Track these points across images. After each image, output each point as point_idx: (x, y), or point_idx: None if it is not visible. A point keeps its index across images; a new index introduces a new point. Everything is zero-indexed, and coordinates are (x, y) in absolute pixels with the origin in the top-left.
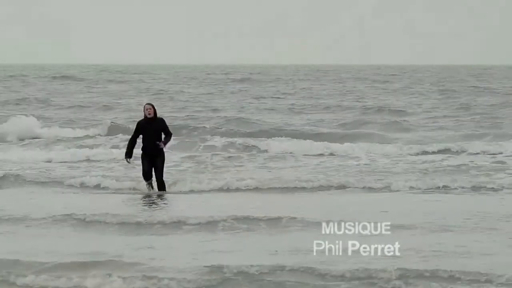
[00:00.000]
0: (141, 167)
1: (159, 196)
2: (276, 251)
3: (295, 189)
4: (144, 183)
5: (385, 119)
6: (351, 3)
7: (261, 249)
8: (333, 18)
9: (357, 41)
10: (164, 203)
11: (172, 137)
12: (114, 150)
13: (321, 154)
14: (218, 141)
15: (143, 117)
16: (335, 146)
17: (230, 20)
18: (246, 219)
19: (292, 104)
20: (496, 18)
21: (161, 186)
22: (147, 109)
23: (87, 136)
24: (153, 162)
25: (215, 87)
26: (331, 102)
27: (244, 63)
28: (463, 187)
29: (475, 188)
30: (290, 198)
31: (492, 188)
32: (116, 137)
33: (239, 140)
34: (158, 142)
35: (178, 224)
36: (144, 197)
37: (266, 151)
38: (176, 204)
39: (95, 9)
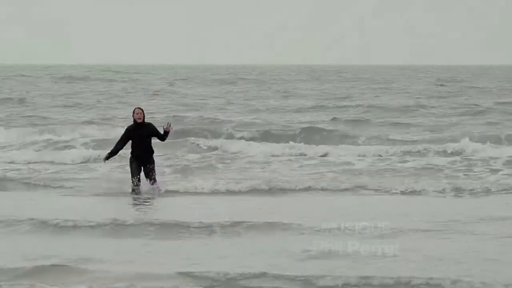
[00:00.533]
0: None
1: (147, 198)
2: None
3: (285, 191)
4: (130, 185)
5: (380, 118)
6: (351, 3)
7: (248, 253)
8: (333, 18)
9: (357, 41)
10: (151, 206)
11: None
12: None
13: (305, 155)
14: (193, 142)
15: (132, 123)
16: (322, 147)
17: (230, 20)
18: (237, 223)
19: (288, 104)
20: (496, 18)
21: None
22: (137, 113)
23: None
24: (141, 167)
25: (211, 88)
26: (324, 102)
27: (244, 63)
28: (455, 189)
29: (464, 190)
30: (282, 201)
31: (487, 189)
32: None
33: (214, 142)
34: (166, 127)
35: (163, 228)
36: (130, 200)
37: (246, 153)
38: (164, 207)
39: (95, 9)
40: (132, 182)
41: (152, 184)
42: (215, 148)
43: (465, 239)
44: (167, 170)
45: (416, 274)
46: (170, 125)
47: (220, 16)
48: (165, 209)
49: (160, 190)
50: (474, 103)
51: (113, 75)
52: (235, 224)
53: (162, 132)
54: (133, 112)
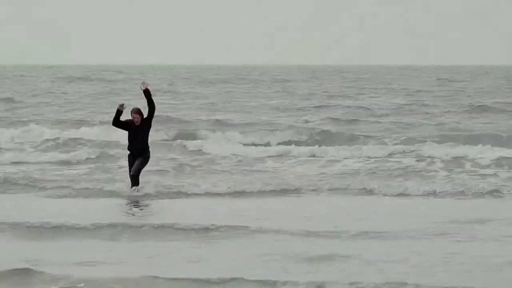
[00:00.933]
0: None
1: (136, 201)
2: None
3: (272, 192)
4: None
5: (376, 118)
6: (351, 3)
7: (227, 257)
8: (333, 18)
9: (357, 41)
10: (144, 208)
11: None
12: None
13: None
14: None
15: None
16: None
17: (230, 20)
18: (219, 227)
19: (284, 104)
20: (496, 18)
21: (135, 181)
22: (134, 118)
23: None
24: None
25: (211, 87)
26: (321, 101)
27: (244, 63)
28: (449, 190)
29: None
30: (269, 203)
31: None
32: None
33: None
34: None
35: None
36: (128, 202)
37: (236, 154)
38: (157, 209)
39: (95, 9)
40: (132, 184)
41: (134, 188)
42: (202, 150)
43: (464, 240)
44: (159, 169)
45: (411, 280)
46: (144, 84)
47: (220, 16)
48: (157, 211)
49: (138, 191)
50: (473, 103)
51: (111, 75)
52: (217, 228)
53: (147, 114)
54: (130, 113)
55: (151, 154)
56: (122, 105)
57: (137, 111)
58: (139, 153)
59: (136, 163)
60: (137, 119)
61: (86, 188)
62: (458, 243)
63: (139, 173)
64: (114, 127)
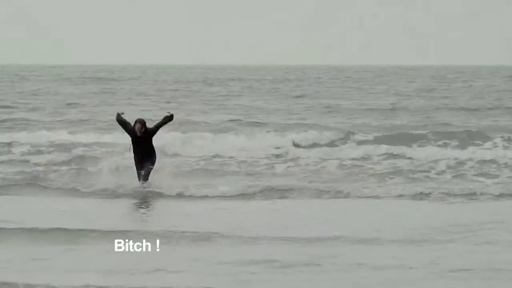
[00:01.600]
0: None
1: (142, 202)
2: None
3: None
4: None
5: (367, 119)
6: (351, 3)
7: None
8: (333, 18)
9: (357, 41)
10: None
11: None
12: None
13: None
14: None
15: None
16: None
17: (230, 20)
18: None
19: (280, 104)
20: (496, 18)
21: (145, 178)
22: (137, 128)
23: None
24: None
25: (209, 88)
26: (317, 102)
27: (244, 63)
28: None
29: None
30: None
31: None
32: None
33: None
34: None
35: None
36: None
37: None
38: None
39: (95, 9)
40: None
41: (143, 183)
42: (191, 152)
43: (459, 245)
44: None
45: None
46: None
47: (220, 16)
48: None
49: (145, 187)
50: (472, 103)
51: (111, 74)
52: (198, 232)
53: (161, 121)
54: (134, 124)
55: (157, 154)
56: (121, 113)
57: (140, 121)
58: (146, 160)
59: (145, 168)
60: (139, 130)
61: (79, 190)
62: (452, 246)
63: (149, 173)
64: (117, 123)
